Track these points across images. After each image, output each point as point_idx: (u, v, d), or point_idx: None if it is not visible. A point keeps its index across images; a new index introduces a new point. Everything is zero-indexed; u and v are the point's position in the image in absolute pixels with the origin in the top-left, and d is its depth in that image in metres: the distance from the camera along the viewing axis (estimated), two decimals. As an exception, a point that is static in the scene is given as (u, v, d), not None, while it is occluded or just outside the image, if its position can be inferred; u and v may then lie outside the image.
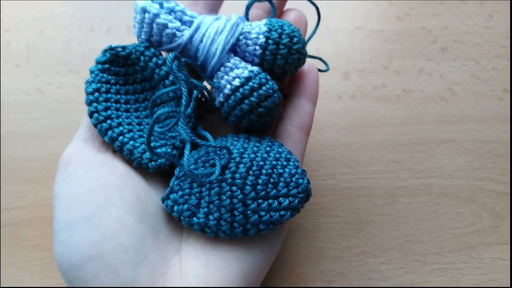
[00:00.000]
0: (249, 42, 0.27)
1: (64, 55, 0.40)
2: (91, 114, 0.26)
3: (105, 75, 0.26)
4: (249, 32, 0.27)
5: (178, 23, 0.26)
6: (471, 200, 0.36)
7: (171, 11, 0.26)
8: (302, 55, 0.27)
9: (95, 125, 0.26)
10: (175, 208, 0.25)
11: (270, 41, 0.26)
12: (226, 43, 0.26)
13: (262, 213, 0.24)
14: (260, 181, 0.24)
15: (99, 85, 0.26)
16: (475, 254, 0.35)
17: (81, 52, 0.40)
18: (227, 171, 0.24)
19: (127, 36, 0.40)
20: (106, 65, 0.26)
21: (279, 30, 0.26)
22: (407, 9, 0.42)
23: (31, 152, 0.37)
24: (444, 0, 0.42)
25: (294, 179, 0.24)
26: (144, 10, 0.26)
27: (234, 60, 0.27)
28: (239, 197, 0.24)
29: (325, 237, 0.35)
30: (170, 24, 0.26)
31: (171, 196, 0.25)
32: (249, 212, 0.24)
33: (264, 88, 0.26)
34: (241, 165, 0.24)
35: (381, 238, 0.35)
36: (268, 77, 0.26)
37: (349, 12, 0.42)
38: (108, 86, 0.26)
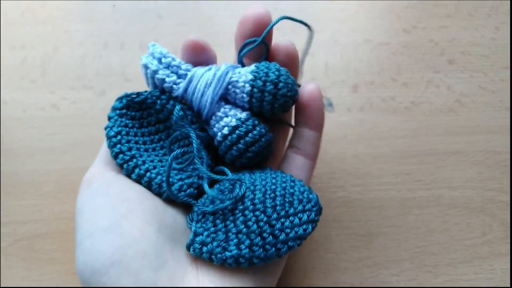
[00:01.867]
0: (237, 90, 0.28)
1: (78, 70, 0.41)
2: (116, 156, 0.27)
3: (123, 119, 0.28)
4: (237, 81, 0.28)
5: (174, 77, 0.28)
6: (481, 211, 0.36)
7: (168, 65, 0.28)
8: (289, 98, 0.27)
9: (121, 165, 0.27)
10: (204, 249, 0.25)
11: (255, 89, 0.27)
12: (215, 95, 0.28)
13: (288, 230, 0.25)
14: (277, 202, 0.25)
15: (120, 128, 0.28)
16: (486, 265, 0.35)
17: (95, 68, 0.41)
18: (246, 200, 0.25)
19: (139, 52, 0.41)
20: (124, 111, 0.28)
21: (264, 78, 0.27)
22: (414, 22, 0.42)
23: (47, 166, 0.38)
24: (451, 12, 0.43)
25: (305, 195, 0.26)
26: (146, 66, 0.28)
27: (224, 108, 0.28)
28: (264, 219, 0.25)
29: (336, 248, 0.35)
30: (167, 79, 0.28)
31: (196, 239, 0.25)
32: (277, 231, 0.25)
33: (250, 135, 0.27)
34: (257, 192, 0.26)
35: (392, 249, 0.35)
36: (257, 122, 0.28)
37: (357, 26, 0.42)
38: (127, 129, 0.28)
